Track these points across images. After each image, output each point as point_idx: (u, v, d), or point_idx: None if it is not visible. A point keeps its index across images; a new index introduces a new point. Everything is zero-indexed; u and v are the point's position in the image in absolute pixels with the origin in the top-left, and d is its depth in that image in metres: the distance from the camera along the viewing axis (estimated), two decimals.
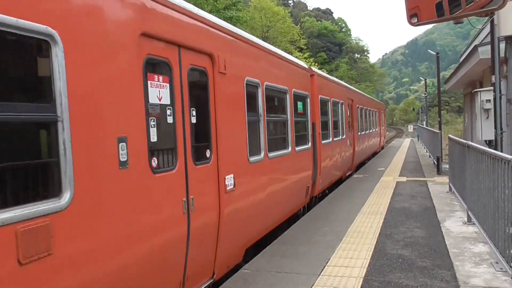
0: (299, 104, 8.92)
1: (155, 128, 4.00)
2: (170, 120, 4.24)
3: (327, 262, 5.61)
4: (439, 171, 14.68)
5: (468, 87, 19.90)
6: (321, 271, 5.29)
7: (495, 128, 6.91)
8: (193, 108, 4.68)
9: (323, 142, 10.56)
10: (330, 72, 54.05)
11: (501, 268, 5.02)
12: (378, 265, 5.44)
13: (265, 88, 6.80)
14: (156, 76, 4.04)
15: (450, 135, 11.18)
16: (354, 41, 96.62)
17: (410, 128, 61.63)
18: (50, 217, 2.76)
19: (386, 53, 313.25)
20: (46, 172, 2.99)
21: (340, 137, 13.30)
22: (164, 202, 4.04)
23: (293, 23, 57.03)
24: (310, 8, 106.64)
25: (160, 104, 4.10)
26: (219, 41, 5.34)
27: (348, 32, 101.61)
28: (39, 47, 2.86)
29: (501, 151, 6.43)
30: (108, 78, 3.39)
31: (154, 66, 4.05)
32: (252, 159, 6.14)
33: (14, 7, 2.60)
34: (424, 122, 45.43)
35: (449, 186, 10.61)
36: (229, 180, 5.35)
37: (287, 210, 7.96)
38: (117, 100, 3.47)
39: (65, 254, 2.85)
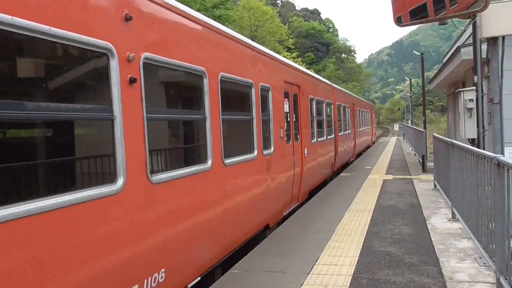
0: (328, 108, 13.89)
1: (292, 123, 9.11)
2: (288, 119, 8.90)
3: (316, 261, 5.68)
4: (424, 169, 14.93)
5: (451, 87, 20.26)
6: (311, 270, 5.35)
7: (478, 127, 7.07)
8: (294, 113, 9.31)
9: (339, 134, 15.36)
10: (317, 72, 54.33)
11: (484, 263, 5.16)
12: (366, 262, 5.53)
13: (316, 100, 11.76)
14: (285, 99, 8.69)
15: (435, 134, 11.38)
16: (341, 42, 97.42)
17: (396, 127, 62.38)
18: (269, 157, 7.27)
19: (372, 54, 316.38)
20: (269, 140, 7.48)
21: (348, 131, 18.17)
22: (288, 158, 8.65)
23: (281, 23, 57.20)
24: (298, 8, 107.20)
25: (286, 112, 8.72)
26: (302, 78, 10.41)
27: (335, 33, 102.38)
28: (266, 91, 7.48)
29: (483, 149, 6.58)
30: (279, 101, 8.18)
31: (285, 95, 8.68)
32: (312, 141, 11.06)
33: (266, 81, 7.58)
34: (409, 121, 46.09)
35: (434, 183, 10.81)
36: (306, 151, 10.07)
37: (324, 175, 12.90)
38: (280, 110, 8.21)
39: (271, 171, 7.38)
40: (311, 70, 17.01)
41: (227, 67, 5.74)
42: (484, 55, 6.59)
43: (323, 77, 17.17)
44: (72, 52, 3.33)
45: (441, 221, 7.50)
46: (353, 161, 19.36)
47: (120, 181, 3.47)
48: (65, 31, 3.00)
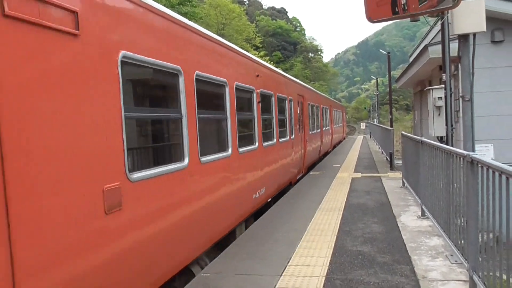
0: (317, 110, 18.77)
1: (300, 121, 14.09)
2: (299, 118, 13.52)
3: (289, 262, 5.50)
4: (392, 167, 15.17)
5: (417, 86, 20.75)
6: (283, 271, 5.17)
7: (446, 124, 7.14)
8: (301, 114, 14.03)
9: (323, 129, 20.46)
10: (285, 70, 54.55)
11: (456, 261, 5.15)
12: (339, 262, 5.42)
13: (311, 105, 16.54)
14: (297, 106, 13.49)
15: (403, 132, 11.52)
16: (308, 41, 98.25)
17: (363, 125, 63.74)
18: (292, 140, 12.32)
19: (338, 53, 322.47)
20: (292, 130, 12.32)
21: (327, 127, 23.12)
22: (299, 142, 13.44)
23: (248, 21, 57.00)
24: (265, 7, 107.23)
25: (298, 113, 13.41)
26: (304, 90, 15.53)
27: (303, 32, 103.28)
28: (291, 101, 12.70)
29: (452, 147, 6.64)
30: (295, 107, 13.10)
31: (297, 103, 13.54)
32: (309, 133, 15.53)
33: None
34: (376, 120, 47.20)
35: (403, 181, 10.94)
36: (307, 139, 14.83)
37: (314, 157, 17.47)
38: (296, 113, 13.09)
39: (293, 149, 12.40)
40: (279, 69, 18.54)
41: (280, 90, 10.77)
42: (452, 54, 6.63)
43: (292, 75, 19.25)
44: (247, 92, 8.16)
45: (410, 219, 7.53)
46: (330, 151, 24.34)
47: (254, 144, 8.29)
48: (248, 85, 7.96)
